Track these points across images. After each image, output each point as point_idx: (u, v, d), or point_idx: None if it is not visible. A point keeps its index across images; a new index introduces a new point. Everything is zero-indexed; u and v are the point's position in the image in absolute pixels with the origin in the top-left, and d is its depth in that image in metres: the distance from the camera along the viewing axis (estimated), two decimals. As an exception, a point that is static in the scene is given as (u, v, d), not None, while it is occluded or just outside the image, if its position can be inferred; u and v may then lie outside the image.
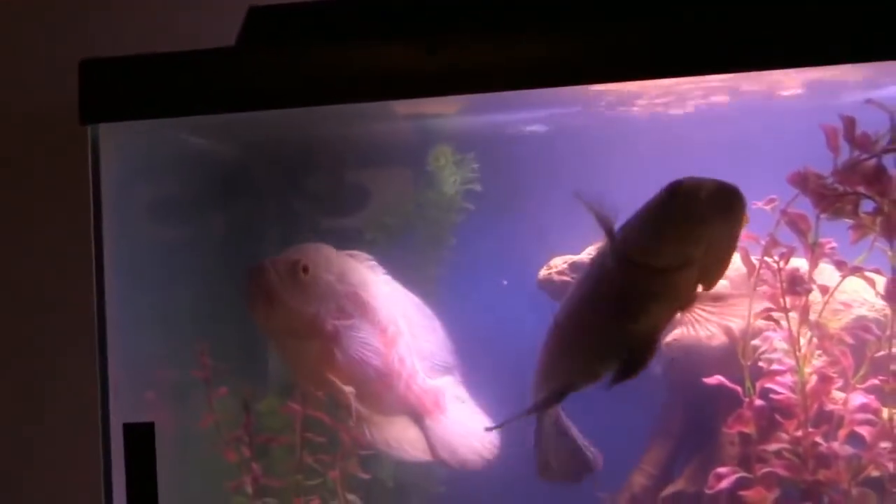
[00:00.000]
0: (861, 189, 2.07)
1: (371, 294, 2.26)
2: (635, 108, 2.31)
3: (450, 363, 2.35)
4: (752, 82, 2.12)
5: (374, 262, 2.28)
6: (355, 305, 2.22)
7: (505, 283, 2.47)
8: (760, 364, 2.17)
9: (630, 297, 1.98)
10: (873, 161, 2.06)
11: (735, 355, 2.18)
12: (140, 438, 2.05)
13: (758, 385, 2.16)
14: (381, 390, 2.26)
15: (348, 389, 2.19)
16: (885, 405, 2.13)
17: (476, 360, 2.40)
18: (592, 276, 2.09)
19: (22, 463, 2.69)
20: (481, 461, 2.33)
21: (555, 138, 2.45)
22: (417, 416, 2.31)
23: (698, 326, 2.04)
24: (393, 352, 2.26)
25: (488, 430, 2.32)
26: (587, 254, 2.36)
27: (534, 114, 2.38)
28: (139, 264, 2.29)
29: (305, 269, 2.17)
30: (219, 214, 2.42)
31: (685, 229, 1.90)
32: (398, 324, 2.28)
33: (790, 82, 2.16)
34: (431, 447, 2.30)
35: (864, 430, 2.13)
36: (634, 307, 1.98)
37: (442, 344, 2.34)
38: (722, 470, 2.19)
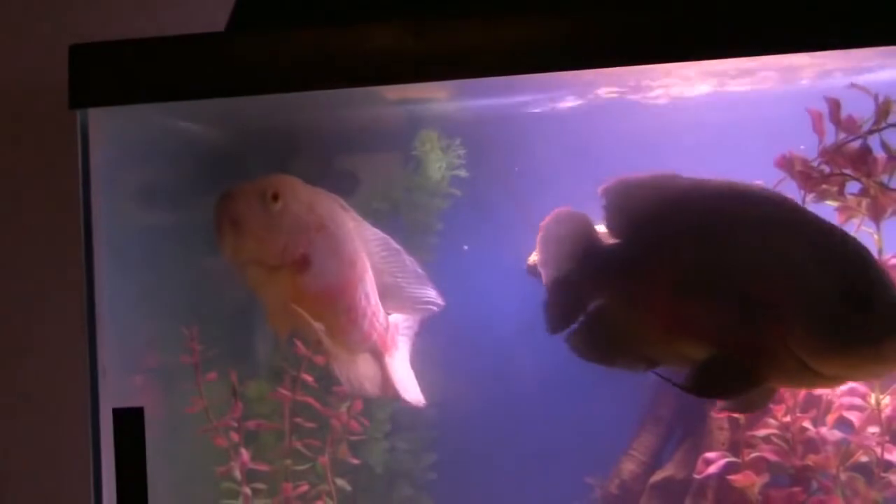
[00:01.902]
0: (847, 171, 2.07)
1: (339, 227, 2.21)
2: (624, 92, 2.31)
3: (424, 298, 2.32)
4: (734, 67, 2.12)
5: (342, 201, 2.24)
6: (324, 237, 2.17)
7: (465, 248, 2.46)
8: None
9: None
10: (858, 143, 2.07)
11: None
12: (129, 423, 2.04)
13: (747, 370, 2.17)
14: (347, 326, 2.22)
15: (318, 325, 2.15)
16: (872, 390, 2.13)
17: (463, 345, 2.41)
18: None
19: (11, 448, 2.69)
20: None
21: (545, 122, 2.44)
22: (377, 353, 2.29)
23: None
24: (360, 287, 2.22)
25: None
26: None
27: (524, 98, 2.37)
28: (128, 249, 2.28)
29: (275, 198, 2.11)
30: (208, 200, 2.37)
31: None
32: (364, 260, 2.25)
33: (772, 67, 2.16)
34: (389, 384, 2.29)
35: (852, 415, 2.13)
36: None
37: (413, 277, 2.31)
38: (710, 455, 2.19)
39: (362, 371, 2.26)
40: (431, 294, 2.30)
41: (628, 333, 2.02)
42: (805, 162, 2.09)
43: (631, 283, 2.04)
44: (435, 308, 2.30)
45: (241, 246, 2.11)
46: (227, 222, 2.10)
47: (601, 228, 2.12)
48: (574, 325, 2.08)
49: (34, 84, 2.61)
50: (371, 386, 2.27)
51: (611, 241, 2.09)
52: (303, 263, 2.15)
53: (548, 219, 2.16)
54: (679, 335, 1.97)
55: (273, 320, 2.20)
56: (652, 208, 2.01)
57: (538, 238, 2.15)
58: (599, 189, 2.06)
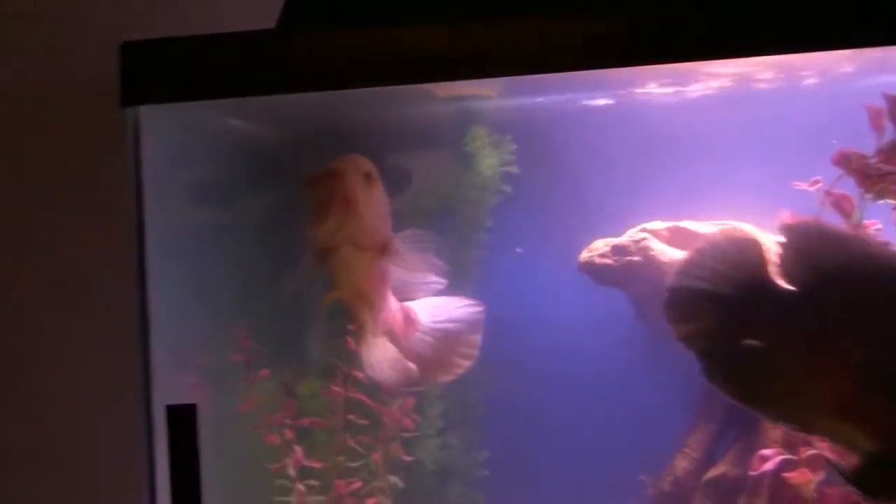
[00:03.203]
0: (906, 169, 2.05)
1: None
2: (677, 89, 2.31)
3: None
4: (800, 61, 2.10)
5: None
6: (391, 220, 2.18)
7: (519, 251, 2.46)
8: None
9: None
10: (919, 140, 2.05)
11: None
12: (183, 420, 2.04)
13: (805, 363, 2.05)
14: (379, 308, 2.23)
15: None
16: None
17: (515, 342, 2.41)
18: None
19: (66, 446, 2.70)
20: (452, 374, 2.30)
21: (597, 120, 2.42)
22: (394, 337, 2.26)
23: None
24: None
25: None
26: (629, 237, 2.35)
27: (575, 95, 2.36)
28: (180, 247, 2.29)
29: (368, 177, 2.12)
30: (259, 197, 2.41)
31: None
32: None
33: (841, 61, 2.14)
34: (404, 365, 2.24)
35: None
36: None
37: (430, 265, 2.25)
38: (766, 452, 2.18)
39: (382, 354, 2.24)
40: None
41: (790, 392, 1.94)
42: (862, 159, 2.07)
43: (808, 345, 1.93)
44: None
45: (346, 225, 2.11)
46: (340, 200, 2.08)
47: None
48: (706, 349, 2.01)
49: (84, 82, 2.61)
50: (390, 370, 2.24)
51: (785, 284, 1.97)
52: (386, 246, 2.16)
53: (719, 234, 2.13)
54: (850, 419, 1.88)
55: (353, 303, 2.20)
56: (839, 270, 1.91)
57: (698, 246, 2.06)
58: (779, 224, 1.99)
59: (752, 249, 2.00)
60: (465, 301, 2.29)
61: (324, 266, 2.17)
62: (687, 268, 2.03)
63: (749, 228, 2.33)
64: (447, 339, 2.28)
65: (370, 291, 2.18)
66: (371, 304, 2.18)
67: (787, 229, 1.97)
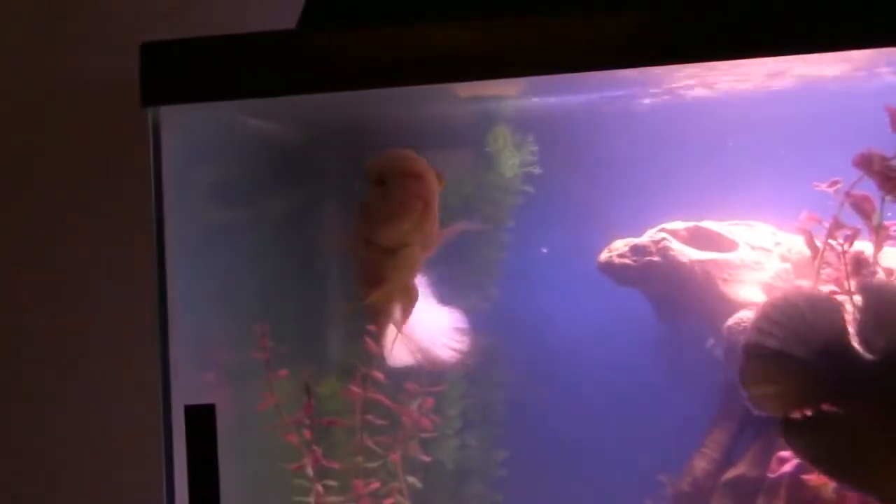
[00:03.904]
0: (928, 174, 2.03)
1: None
2: (700, 88, 2.29)
3: None
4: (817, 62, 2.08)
5: None
6: None
7: (545, 250, 2.45)
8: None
9: None
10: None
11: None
12: (201, 420, 2.03)
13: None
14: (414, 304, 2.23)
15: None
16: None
17: (534, 344, 2.41)
18: None
19: (85, 446, 2.71)
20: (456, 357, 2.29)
21: (618, 120, 2.42)
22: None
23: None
24: None
25: None
26: (649, 237, 2.35)
27: (598, 95, 2.36)
28: (200, 247, 2.28)
29: (440, 180, 2.11)
30: (279, 197, 2.40)
31: None
32: None
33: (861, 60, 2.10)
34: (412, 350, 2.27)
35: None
36: None
37: None
38: (785, 453, 2.16)
39: (411, 346, 2.26)
40: None
41: (870, 461, 1.92)
42: (884, 160, 2.05)
43: (887, 414, 1.91)
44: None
45: (423, 227, 2.10)
46: (419, 201, 2.08)
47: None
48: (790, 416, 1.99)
49: (105, 82, 2.62)
50: (401, 355, 2.26)
51: (864, 350, 1.95)
52: (433, 245, 2.16)
53: (797, 291, 2.10)
54: None
55: (396, 298, 2.20)
56: None
57: (774, 301, 2.03)
58: (858, 284, 1.99)
59: (830, 311, 1.97)
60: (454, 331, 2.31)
61: (373, 265, 2.17)
62: (763, 324, 2.01)
63: (768, 229, 2.35)
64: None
65: (414, 288, 2.19)
66: (411, 300, 2.18)
67: (866, 290, 1.95)
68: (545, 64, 1.95)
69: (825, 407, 1.94)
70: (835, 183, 2.10)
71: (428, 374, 2.32)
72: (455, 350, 2.27)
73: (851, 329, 1.95)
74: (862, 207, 2.09)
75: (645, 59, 1.93)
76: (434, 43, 1.97)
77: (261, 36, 2.04)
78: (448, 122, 2.45)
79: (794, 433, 1.97)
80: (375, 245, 2.13)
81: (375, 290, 2.15)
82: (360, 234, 2.16)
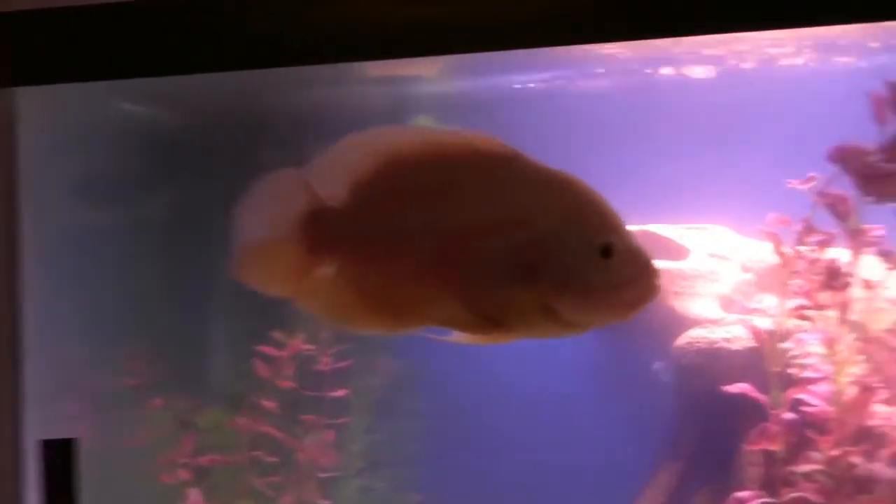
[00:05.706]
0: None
1: None
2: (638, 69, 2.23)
3: None
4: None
5: None
6: None
7: None
8: (790, 371, 2.04)
9: None
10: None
11: (761, 360, 2.05)
12: (61, 456, 1.80)
13: (787, 395, 2.02)
14: None
15: None
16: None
17: (452, 368, 2.23)
18: None
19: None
20: None
21: (553, 107, 2.33)
22: None
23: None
24: None
25: None
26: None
27: (527, 76, 2.27)
28: (63, 253, 2.12)
29: None
30: (158, 195, 2.31)
31: None
32: None
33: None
34: None
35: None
36: None
37: None
38: (742, 494, 2.05)
39: None
40: None
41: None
42: (863, 156, 1.94)
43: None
44: None
45: None
46: None
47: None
48: None
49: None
50: None
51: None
52: None
53: None
54: None
55: None
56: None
57: None
58: None
59: None
60: None
61: None
62: None
63: (727, 234, 2.30)
64: None
65: None
66: None
67: None
68: (464, 42, 1.78)
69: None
70: (810, 179, 2.00)
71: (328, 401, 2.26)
72: None
73: None
74: (837, 209, 1.99)
75: (579, 37, 1.78)
76: (343, 15, 1.77)
77: (132, 6, 1.82)
78: (358, 107, 2.32)
79: None
80: None
81: None
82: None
